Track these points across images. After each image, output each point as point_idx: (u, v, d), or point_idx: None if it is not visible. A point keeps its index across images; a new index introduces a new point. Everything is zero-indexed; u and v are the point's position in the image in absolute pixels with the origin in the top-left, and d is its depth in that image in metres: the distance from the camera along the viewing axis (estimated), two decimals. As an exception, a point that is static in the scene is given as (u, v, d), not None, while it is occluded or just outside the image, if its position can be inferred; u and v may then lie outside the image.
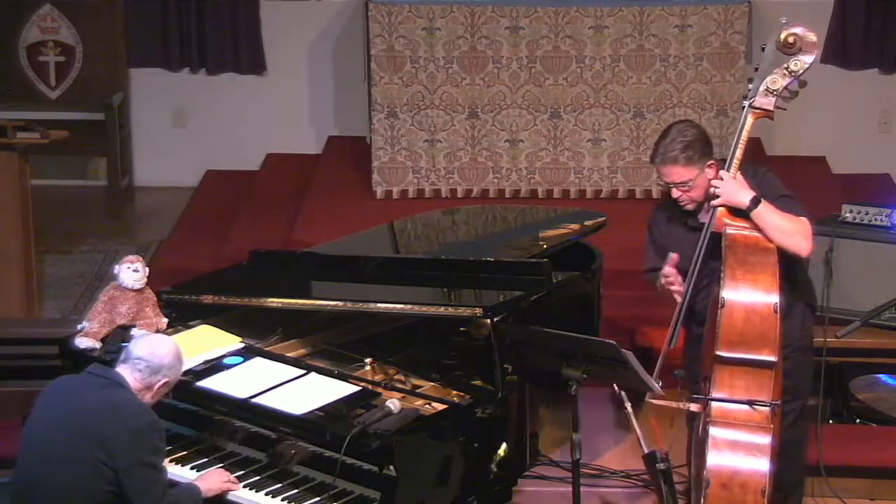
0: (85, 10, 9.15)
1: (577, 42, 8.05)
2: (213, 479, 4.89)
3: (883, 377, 6.47)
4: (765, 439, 4.82)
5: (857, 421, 6.44)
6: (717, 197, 5.05)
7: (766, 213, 5.02)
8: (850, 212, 6.60)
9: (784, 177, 5.27)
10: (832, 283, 6.43)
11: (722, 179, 5.05)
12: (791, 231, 5.03)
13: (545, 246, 6.07)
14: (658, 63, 8.06)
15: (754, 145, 8.53)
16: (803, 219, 5.08)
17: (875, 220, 6.56)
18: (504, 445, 5.12)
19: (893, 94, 9.05)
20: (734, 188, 5.04)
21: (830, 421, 6.39)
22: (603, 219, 6.29)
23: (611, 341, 4.92)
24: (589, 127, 8.13)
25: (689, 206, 5.21)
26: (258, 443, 5.00)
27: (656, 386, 5.01)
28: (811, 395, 6.15)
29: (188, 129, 9.35)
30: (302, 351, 5.56)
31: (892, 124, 9.10)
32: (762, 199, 5.02)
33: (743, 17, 8.02)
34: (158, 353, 4.69)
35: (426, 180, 8.18)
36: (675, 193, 5.18)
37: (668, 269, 5.21)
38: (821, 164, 8.76)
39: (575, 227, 6.31)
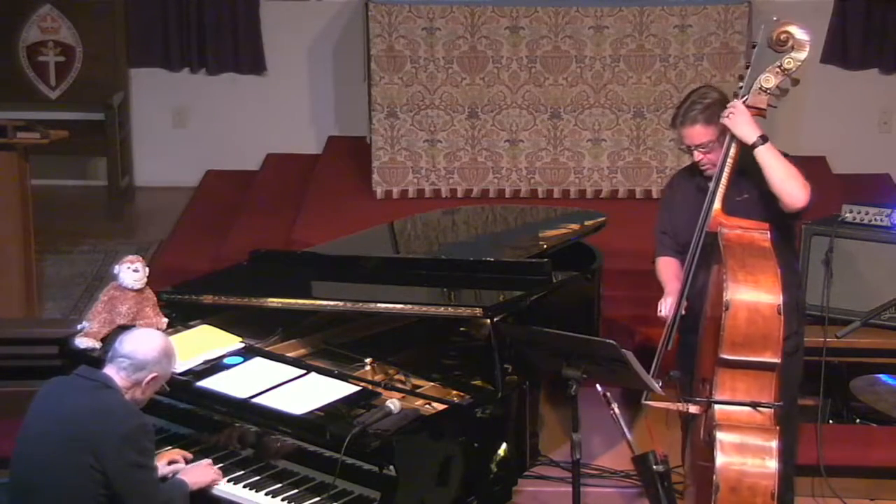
0: (85, 10, 9.15)
1: (577, 42, 8.05)
2: (198, 472, 4.87)
3: (883, 377, 6.46)
4: (772, 441, 4.78)
5: (857, 421, 6.44)
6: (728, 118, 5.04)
7: (770, 153, 5.01)
8: (850, 212, 6.60)
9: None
10: (832, 283, 6.43)
11: (735, 107, 5.03)
12: (789, 175, 5.01)
13: (545, 246, 6.06)
14: (658, 63, 8.06)
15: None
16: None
17: (875, 220, 6.55)
18: (504, 445, 5.12)
19: (893, 94, 9.05)
20: (745, 120, 5.02)
21: (830, 421, 6.39)
22: (603, 219, 6.29)
23: (611, 341, 4.91)
24: (589, 127, 8.12)
25: (710, 170, 5.19)
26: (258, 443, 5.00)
27: (656, 386, 5.00)
28: (810, 397, 6.18)
29: (188, 129, 9.35)
30: (302, 351, 5.55)
31: (892, 124, 9.10)
32: (769, 140, 5.00)
33: (743, 18, 8.01)
34: (141, 349, 4.63)
35: (426, 180, 8.18)
36: (697, 156, 5.20)
37: (664, 313, 5.27)
38: (821, 164, 8.75)
39: (575, 227, 6.31)
